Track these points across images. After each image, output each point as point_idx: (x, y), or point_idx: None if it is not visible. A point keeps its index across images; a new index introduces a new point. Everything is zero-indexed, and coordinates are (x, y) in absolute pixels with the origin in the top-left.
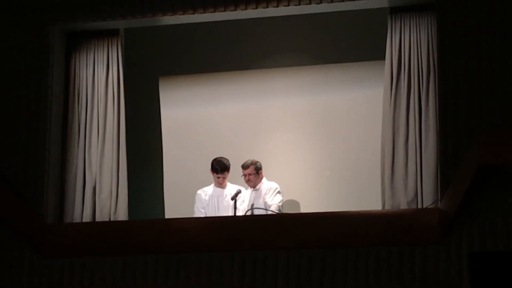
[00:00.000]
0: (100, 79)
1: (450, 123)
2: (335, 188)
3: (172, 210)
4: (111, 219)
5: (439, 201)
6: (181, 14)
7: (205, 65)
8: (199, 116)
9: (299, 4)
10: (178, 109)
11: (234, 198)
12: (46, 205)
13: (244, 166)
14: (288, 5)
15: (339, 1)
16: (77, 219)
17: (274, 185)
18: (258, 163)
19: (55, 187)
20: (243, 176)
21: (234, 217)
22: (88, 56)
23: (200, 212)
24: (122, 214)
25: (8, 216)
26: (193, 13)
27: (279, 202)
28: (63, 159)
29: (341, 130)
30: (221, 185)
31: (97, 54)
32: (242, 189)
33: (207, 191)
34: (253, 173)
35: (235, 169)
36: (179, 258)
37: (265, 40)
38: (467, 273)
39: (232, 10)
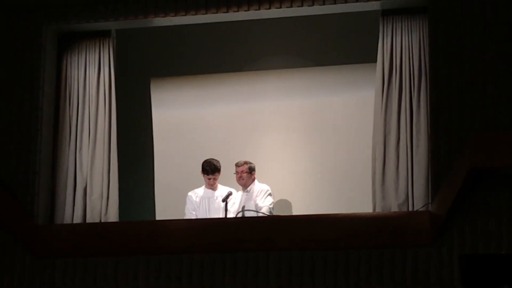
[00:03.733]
0: (92, 80)
1: (441, 126)
2: (326, 190)
3: (163, 211)
4: (102, 220)
5: (430, 204)
6: (173, 16)
7: (197, 66)
8: (190, 117)
9: (291, 6)
10: (170, 110)
11: (225, 200)
12: (37, 206)
13: (238, 164)
14: (280, 7)
15: (331, 4)
16: (68, 220)
17: (265, 187)
18: (252, 164)
19: (46, 188)
20: (235, 174)
21: (225, 219)
22: (79, 57)
23: (191, 214)
24: (113, 216)
25: None
26: (185, 15)
27: (270, 204)
28: (54, 160)
29: (332, 132)
30: (212, 186)
31: (89, 55)
32: (233, 191)
33: (198, 193)
34: (246, 171)
35: (227, 171)
36: (170, 260)
37: (257, 42)
38: (458, 276)
39: (224, 12)
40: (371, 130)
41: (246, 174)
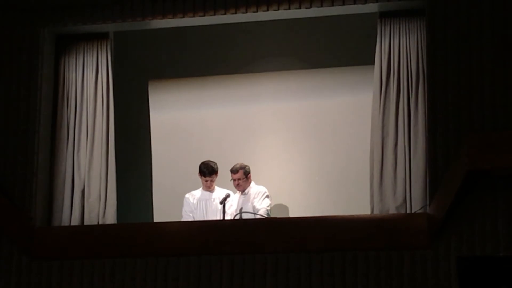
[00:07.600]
0: (89, 82)
1: (439, 128)
2: (324, 193)
3: (161, 213)
4: (100, 223)
5: (428, 206)
6: (171, 18)
7: (194, 68)
8: (188, 119)
9: (289, 9)
10: (167, 112)
11: (222, 202)
12: (34, 208)
13: (233, 171)
14: (278, 9)
15: (329, 6)
16: (65, 222)
17: (262, 189)
18: (247, 167)
19: (44, 190)
20: (232, 181)
21: (223, 221)
22: (77, 59)
23: (188, 215)
24: (110, 218)
25: None
26: (183, 17)
27: (268, 206)
28: (51, 162)
29: (330, 135)
30: (209, 188)
31: (87, 57)
32: (231, 193)
33: (195, 195)
34: (243, 177)
35: (224, 173)
36: (167, 262)
37: (254, 44)
38: (455, 278)
39: (222, 14)
40: (369, 133)
41: (242, 180)
